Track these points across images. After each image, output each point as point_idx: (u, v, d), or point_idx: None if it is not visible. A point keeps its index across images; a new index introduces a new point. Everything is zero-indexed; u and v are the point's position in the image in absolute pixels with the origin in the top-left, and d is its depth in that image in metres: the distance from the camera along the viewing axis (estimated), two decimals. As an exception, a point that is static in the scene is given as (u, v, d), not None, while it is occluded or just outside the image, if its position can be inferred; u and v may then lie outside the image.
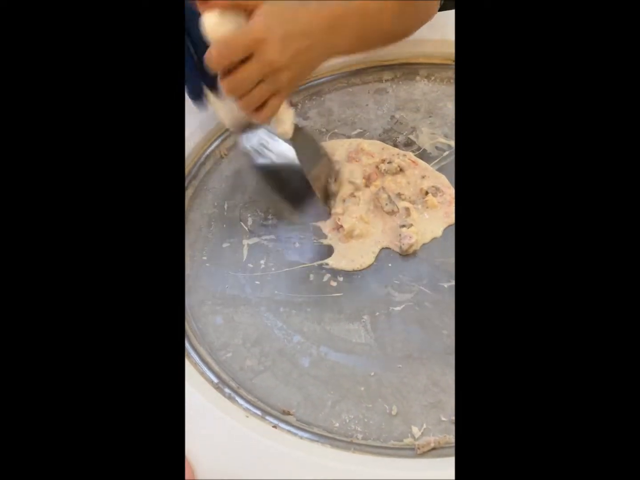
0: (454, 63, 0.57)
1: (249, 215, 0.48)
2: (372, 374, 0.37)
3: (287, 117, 0.42)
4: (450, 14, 0.61)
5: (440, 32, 0.58)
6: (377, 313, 0.40)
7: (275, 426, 0.35)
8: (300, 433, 0.34)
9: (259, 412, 0.36)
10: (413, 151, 0.50)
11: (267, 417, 0.35)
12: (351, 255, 0.43)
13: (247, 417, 0.35)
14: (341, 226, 0.44)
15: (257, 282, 0.43)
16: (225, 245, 0.46)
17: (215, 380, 0.38)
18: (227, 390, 0.37)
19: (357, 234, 0.44)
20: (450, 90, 0.55)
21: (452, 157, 0.49)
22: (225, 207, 0.49)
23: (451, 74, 0.57)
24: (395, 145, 0.51)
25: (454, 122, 0.52)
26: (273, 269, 0.44)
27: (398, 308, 0.40)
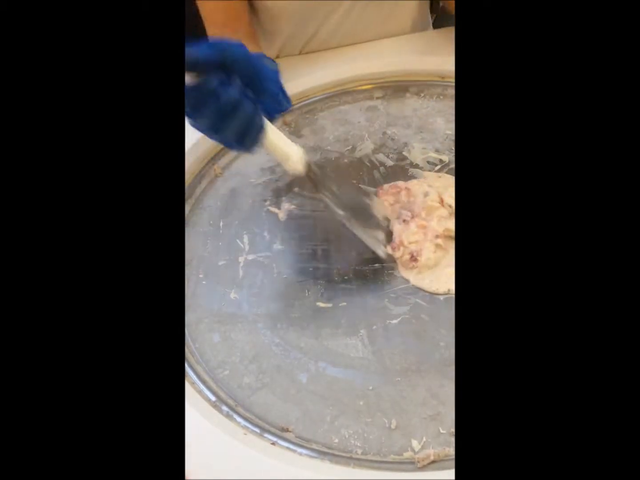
0: (443, 80, 0.59)
1: (244, 232, 0.48)
2: (371, 388, 0.37)
3: (292, 152, 0.40)
4: (441, 32, 0.63)
5: (430, 50, 0.60)
6: (374, 327, 0.40)
7: (274, 443, 0.34)
8: (299, 450, 0.34)
9: (257, 430, 0.35)
10: (405, 166, 0.51)
11: (266, 435, 0.35)
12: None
13: (246, 434, 0.34)
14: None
15: (253, 299, 0.43)
16: (221, 263, 0.46)
17: (213, 398, 0.38)
18: (224, 408, 0.37)
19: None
20: (440, 106, 0.57)
21: (443, 172, 0.50)
22: (221, 225, 0.49)
23: (440, 90, 0.58)
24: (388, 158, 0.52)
25: (444, 137, 0.53)
26: (269, 286, 0.44)
27: (395, 321, 0.40)
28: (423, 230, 0.43)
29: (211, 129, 0.35)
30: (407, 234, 0.43)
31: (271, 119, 0.38)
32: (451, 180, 0.48)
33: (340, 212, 0.44)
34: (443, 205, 0.44)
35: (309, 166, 0.42)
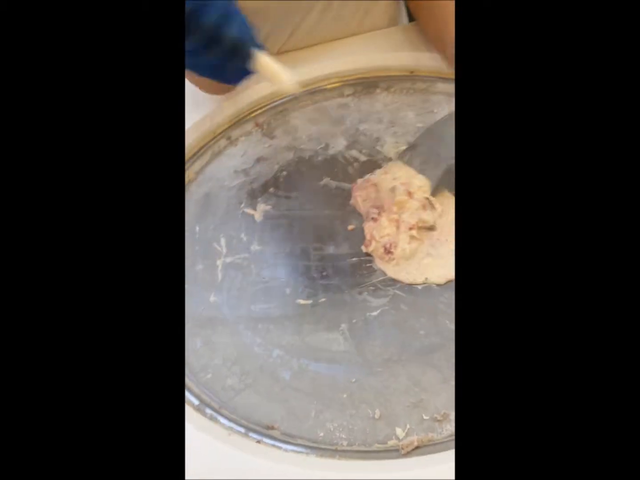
0: (411, 74, 0.59)
1: (221, 236, 0.48)
2: (354, 380, 0.37)
3: (281, 69, 0.43)
4: (406, 28, 0.64)
5: (397, 46, 0.61)
6: (355, 320, 0.41)
7: (259, 441, 0.34)
8: (284, 446, 0.34)
9: (241, 430, 0.35)
10: (378, 160, 0.52)
11: (251, 434, 0.35)
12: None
13: (230, 435, 0.34)
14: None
15: (233, 301, 0.43)
16: (199, 267, 0.46)
17: (196, 402, 0.37)
18: (208, 410, 0.37)
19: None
20: (410, 100, 0.57)
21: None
22: (197, 230, 0.49)
23: (410, 84, 0.59)
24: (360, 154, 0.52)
25: (416, 130, 0.54)
26: (249, 287, 0.44)
27: (375, 313, 0.41)
28: (395, 223, 0.44)
29: (203, 48, 0.39)
30: (378, 229, 0.44)
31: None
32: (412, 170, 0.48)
33: None
34: (412, 198, 0.45)
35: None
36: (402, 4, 0.69)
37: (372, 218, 0.45)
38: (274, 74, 0.43)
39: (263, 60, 0.43)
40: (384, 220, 0.44)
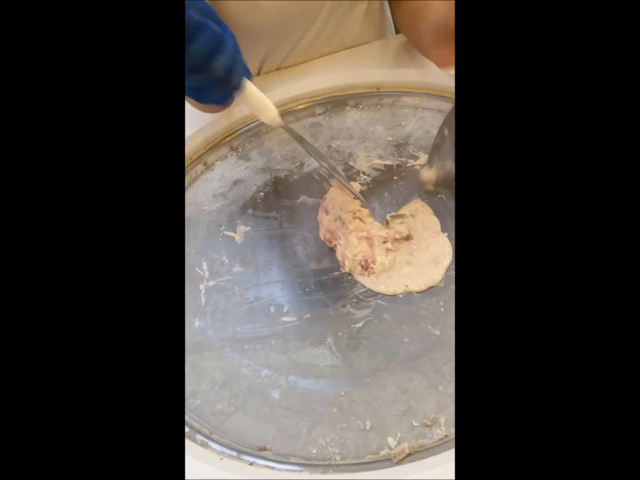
0: (378, 90, 0.61)
1: (203, 260, 0.48)
2: (343, 393, 0.37)
3: (267, 102, 0.44)
4: (372, 46, 0.66)
5: (363, 63, 0.63)
6: (340, 333, 0.41)
7: (251, 463, 0.34)
8: (277, 466, 0.34)
9: (234, 453, 0.35)
10: (352, 175, 0.53)
11: (243, 456, 0.35)
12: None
13: (222, 459, 0.34)
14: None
15: (218, 324, 0.43)
16: (182, 293, 0.46)
17: (187, 429, 0.37)
18: (199, 437, 0.36)
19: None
20: (378, 115, 0.59)
21: (387, 175, 0.52)
22: (178, 255, 0.49)
23: (377, 100, 0.60)
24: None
25: (386, 143, 0.55)
26: (233, 309, 0.44)
27: (359, 325, 0.41)
28: (366, 241, 0.44)
29: (198, 67, 0.38)
30: (350, 249, 0.44)
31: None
32: (343, 190, 0.49)
33: (324, 163, 0.47)
34: (361, 220, 0.46)
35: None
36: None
37: (335, 246, 0.46)
38: (261, 106, 0.44)
39: (251, 92, 0.43)
40: (352, 239, 0.44)
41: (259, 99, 0.44)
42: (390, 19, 0.72)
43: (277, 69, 0.66)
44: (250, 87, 0.43)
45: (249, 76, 0.44)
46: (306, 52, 0.65)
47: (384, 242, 0.44)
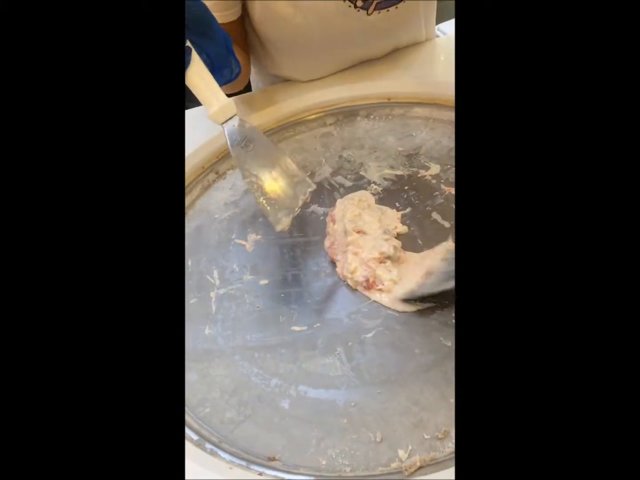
0: (389, 101, 0.61)
1: (214, 268, 0.48)
2: (353, 404, 0.37)
3: (215, 100, 0.39)
4: (381, 60, 0.67)
5: (375, 75, 0.63)
6: (350, 343, 0.41)
7: (260, 474, 0.34)
8: (287, 477, 0.33)
9: (243, 463, 0.35)
10: (363, 185, 0.53)
11: (252, 466, 0.34)
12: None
13: (231, 468, 0.34)
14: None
15: (228, 332, 0.43)
16: (192, 301, 0.46)
17: (195, 437, 0.37)
18: (208, 445, 0.36)
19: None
20: (389, 125, 0.59)
21: (398, 185, 0.52)
22: (189, 263, 0.49)
23: (388, 110, 0.61)
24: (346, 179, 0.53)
25: (397, 153, 0.56)
26: (243, 317, 0.44)
27: (369, 335, 0.41)
28: (358, 257, 0.44)
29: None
30: (346, 267, 0.44)
31: (217, 77, 0.38)
32: (350, 202, 0.49)
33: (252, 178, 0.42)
34: (363, 234, 0.45)
35: (243, 124, 0.41)
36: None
37: (337, 260, 0.46)
38: (205, 96, 0.39)
39: (195, 70, 0.36)
40: (349, 256, 0.44)
41: (205, 85, 0.37)
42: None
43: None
44: (196, 65, 0.36)
45: (228, 64, 0.39)
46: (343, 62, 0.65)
47: (380, 263, 0.44)
